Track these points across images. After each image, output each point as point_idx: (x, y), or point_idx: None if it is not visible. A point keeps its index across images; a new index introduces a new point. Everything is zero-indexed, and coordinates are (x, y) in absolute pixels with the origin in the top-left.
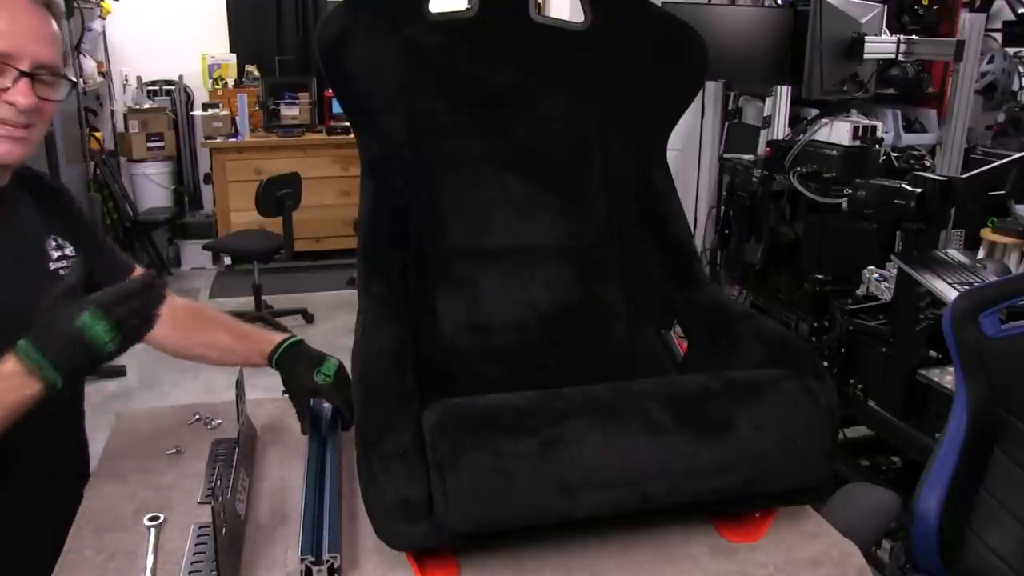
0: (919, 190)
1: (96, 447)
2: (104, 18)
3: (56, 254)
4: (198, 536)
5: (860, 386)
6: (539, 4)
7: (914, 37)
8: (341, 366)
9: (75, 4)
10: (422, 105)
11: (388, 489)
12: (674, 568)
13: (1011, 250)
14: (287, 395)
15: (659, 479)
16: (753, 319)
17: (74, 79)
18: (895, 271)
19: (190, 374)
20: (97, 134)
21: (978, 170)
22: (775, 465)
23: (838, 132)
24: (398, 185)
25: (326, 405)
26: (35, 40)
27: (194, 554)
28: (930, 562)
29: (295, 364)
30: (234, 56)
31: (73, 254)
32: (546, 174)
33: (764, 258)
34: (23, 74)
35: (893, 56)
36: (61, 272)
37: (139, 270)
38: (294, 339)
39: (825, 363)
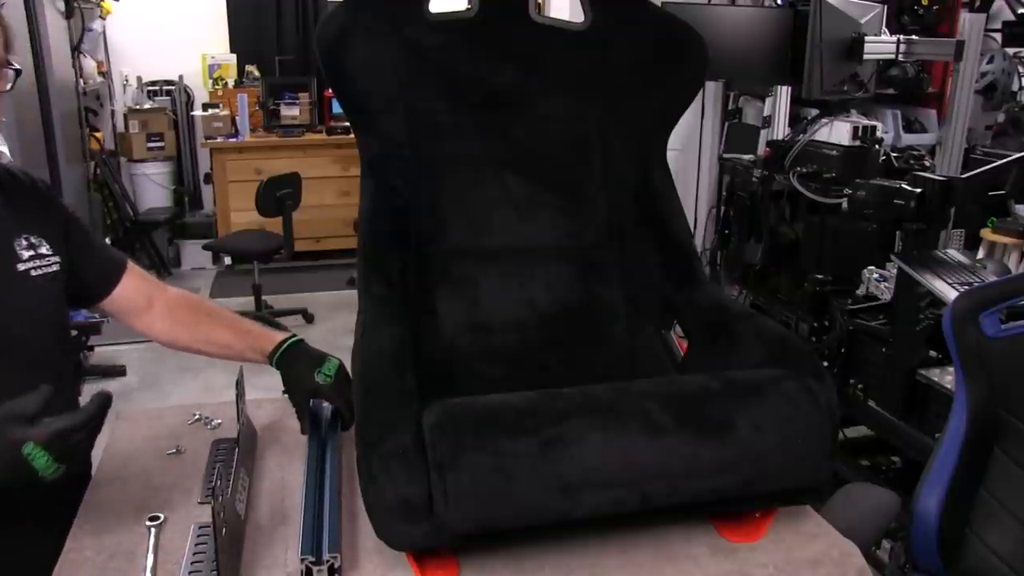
0: (919, 190)
1: (96, 447)
2: (104, 18)
3: (27, 254)
4: (198, 536)
5: (860, 386)
6: (539, 4)
7: (914, 37)
8: (341, 365)
9: (75, 4)
10: (422, 105)
11: (388, 489)
12: (674, 568)
13: (1011, 250)
14: (287, 395)
15: (659, 479)
16: (753, 319)
17: (18, 67)
18: (895, 271)
19: (190, 374)
20: (97, 134)
21: (978, 170)
22: (775, 465)
23: (838, 132)
24: (398, 185)
25: (325, 405)
26: None
27: (194, 554)
28: (930, 562)
29: (296, 364)
30: (234, 56)
31: (49, 252)
32: (546, 174)
33: (764, 258)
34: None
35: (893, 56)
36: (32, 273)
37: (131, 266)
38: (294, 339)
39: (825, 363)
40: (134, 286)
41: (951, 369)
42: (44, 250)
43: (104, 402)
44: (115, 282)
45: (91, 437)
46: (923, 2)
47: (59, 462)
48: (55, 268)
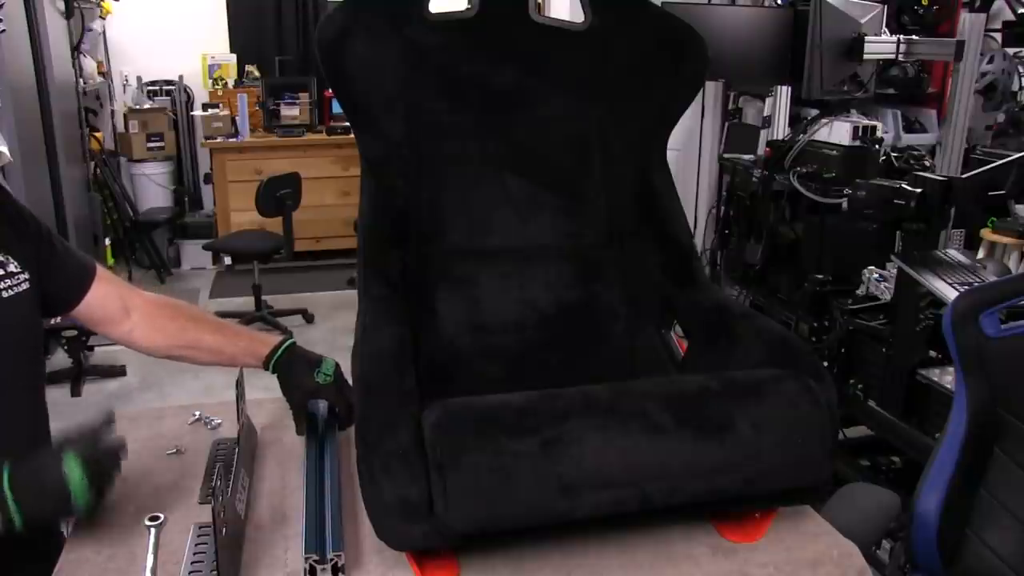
0: (919, 190)
1: None
2: (104, 18)
3: None
4: (198, 536)
5: (860, 386)
6: (539, 4)
7: (914, 37)
8: (338, 366)
9: (75, 4)
10: (422, 105)
11: (388, 489)
12: (674, 568)
13: (1011, 250)
14: (285, 397)
15: (659, 479)
16: (753, 319)
17: None
18: (895, 271)
19: (190, 374)
20: (97, 134)
21: (978, 170)
22: (775, 465)
23: (838, 132)
24: (398, 185)
25: (322, 404)
26: None
27: (194, 554)
28: (930, 562)
29: (294, 366)
30: (234, 56)
31: (18, 269)
32: (546, 174)
33: (764, 258)
34: None
35: (893, 56)
36: (4, 295)
37: (102, 272)
38: (289, 342)
39: (825, 363)
40: (106, 293)
41: (951, 369)
42: (12, 268)
43: (123, 444)
44: (84, 290)
45: (112, 473)
46: (923, 2)
47: (91, 483)
48: (25, 286)
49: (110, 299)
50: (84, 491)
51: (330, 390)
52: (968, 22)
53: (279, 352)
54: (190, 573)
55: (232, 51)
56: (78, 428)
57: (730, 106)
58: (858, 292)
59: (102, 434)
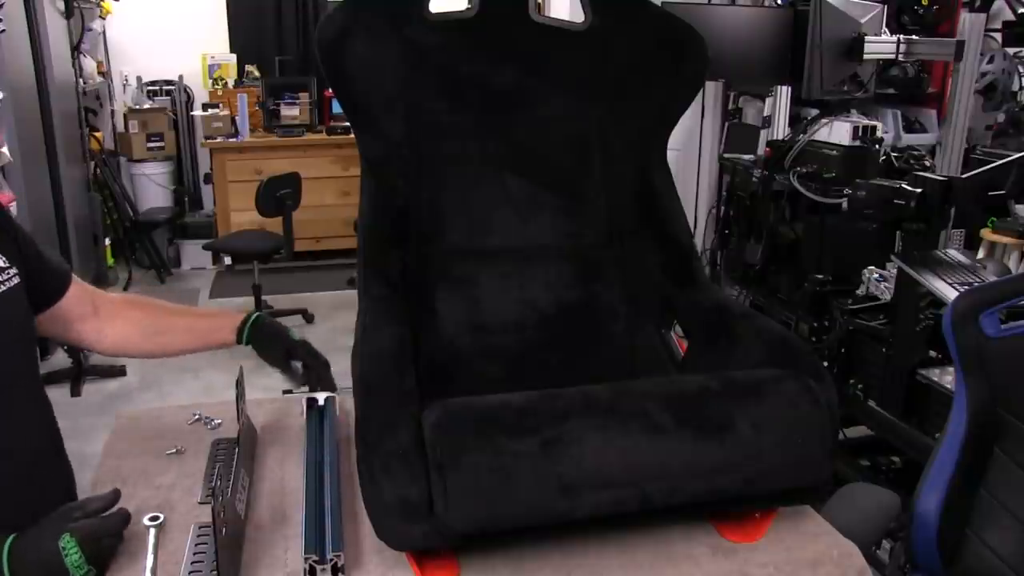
0: (919, 190)
1: (96, 447)
2: (104, 18)
3: None
4: (198, 536)
5: (860, 386)
6: (539, 4)
7: (914, 37)
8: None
9: (75, 4)
10: (422, 105)
11: (388, 489)
12: (674, 568)
13: (1011, 250)
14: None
15: (659, 479)
16: (753, 319)
17: None
18: (895, 271)
19: (190, 374)
20: (97, 134)
21: (978, 170)
22: (775, 465)
23: (838, 132)
24: (398, 185)
25: (322, 403)
26: None
27: (194, 554)
28: (930, 562)
29: (268, 332)
30: (234, 56)
31: (7, 264)
32: (546, 174)
33: (764, 258)
34: None
35: (893, 56)
36: None
37: (75, 279)
38: (258, 313)
39: (825, 363)
40: (79, 292)
41: (951, 369)
42: (1, 263)
43: (127, 518)
44: (63, 289)
45: (114, 546)
46: (923, 2)
47: (89, 563)
48: (16, 280)
49: (83, 299)
50: (82, 572)
51: (304, 348)
52: (968, 22)
53: (249, 323)
54: (190, 573)
55: (232, 51)
56: (84, 503)
57: (730, 106)
58: (858, 292)
59: (106, 509)
